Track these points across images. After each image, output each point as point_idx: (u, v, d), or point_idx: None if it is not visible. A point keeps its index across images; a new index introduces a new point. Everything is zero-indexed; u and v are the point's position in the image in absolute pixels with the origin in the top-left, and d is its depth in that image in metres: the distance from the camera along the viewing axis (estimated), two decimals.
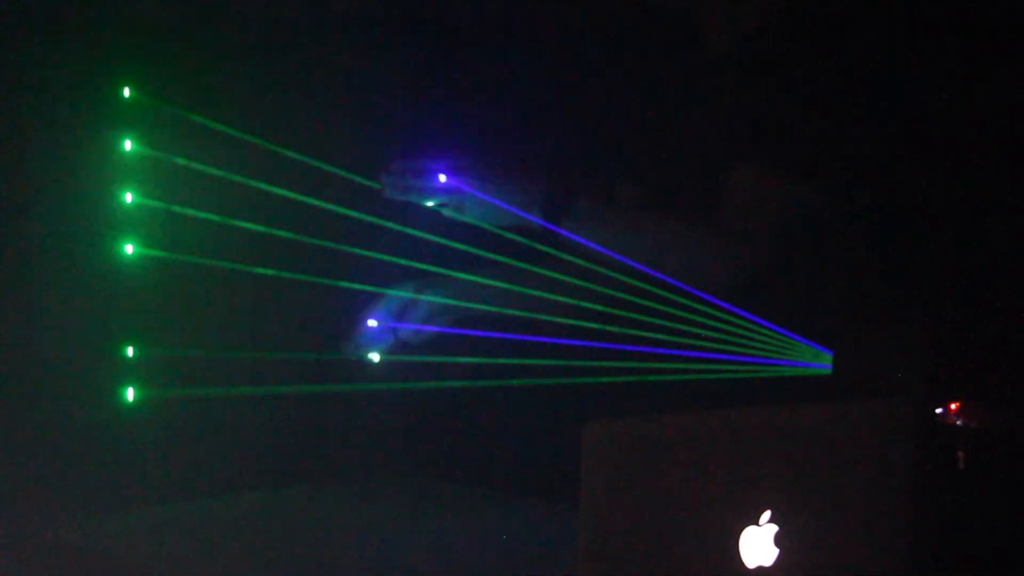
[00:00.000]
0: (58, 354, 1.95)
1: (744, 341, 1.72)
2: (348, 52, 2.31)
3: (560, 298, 1.85)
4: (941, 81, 1.73)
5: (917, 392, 1.70)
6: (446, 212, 1.85)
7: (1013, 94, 1.69)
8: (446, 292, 1.89)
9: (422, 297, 1.88)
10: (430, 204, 1.86)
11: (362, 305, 1.95)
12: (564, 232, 1.80)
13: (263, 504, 2.04)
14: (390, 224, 1.97)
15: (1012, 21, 1.69)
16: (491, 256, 1.88)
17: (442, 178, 1.80)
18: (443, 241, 1.90)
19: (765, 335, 1.71)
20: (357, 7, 2.35)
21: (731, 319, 1.72)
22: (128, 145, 1.96)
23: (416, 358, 1.93)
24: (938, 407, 1.65)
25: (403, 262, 2.03)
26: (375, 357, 1.91)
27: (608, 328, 1.78)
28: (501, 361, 1.83)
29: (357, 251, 1.98)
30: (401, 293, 1.89)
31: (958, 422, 1.63)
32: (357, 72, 2.32)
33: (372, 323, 1.90)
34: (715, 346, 1.73)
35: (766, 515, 1.22)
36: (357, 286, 1.97)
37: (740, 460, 1.21)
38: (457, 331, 1.89)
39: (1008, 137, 1.70)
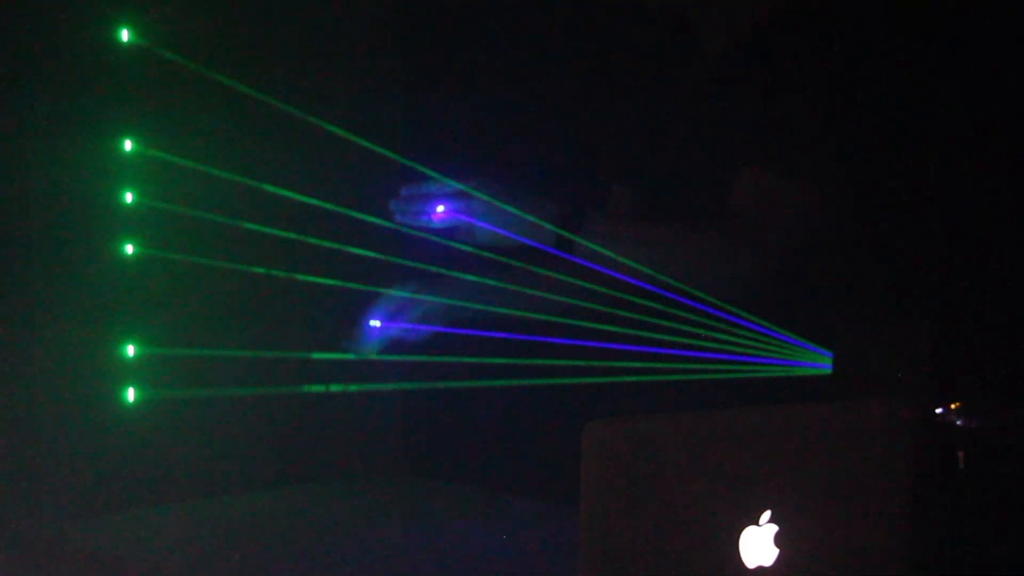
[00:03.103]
0: (58, 354, 1.95)
1: (744, 341, 1.72)
2: (354, 60, 2.31)
3: (560, 298, 1.85)
4: (941, 80, 1.73)
5: (917, 392, 1.70)
6: (457, 238, 1.85)
7: (1013, 94, 1.69)
8: (444, 292, 1.89)
9: (419, 297, 1.88)
10: (440, 228, 1.86)
11: (362, 305, 1.95)
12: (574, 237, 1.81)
13: (263, 504, 2.05)
14: (389, 224, 1.97)
15: (1012, 21, 1.69)
16: (490, 256, 1.88)
17: (440, 209, 1.81)
18: (443, 241, 1.90)
19: (765, 335, 1.71)
20: (365, 17, 2.35)
21: (731, 319, 1.72)
22: (128, 145, 1.96)
23: (416, 358, 1.93)
24: (938, 407, 1.64)
25: (403, 262, 2.04)
26: (375, 355, 1.91)
27: (608, 328, 1.78)
28: (502, 361, 1.83)
29: (356, 251, 1.98)
30: (399, 293, 1.89)
31: (958, 422, 1.63)
32: (363, 79, 2.32)
33: (374, 323, 1.90)
34: (715, 346, 1.73)
35: (766, 515, 1.22)
36: (356, 286, 1.97)
37: (740, 460, 1.21)
38: (456, 331, 1.89)
39: (1008, 137, 1.70)
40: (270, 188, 2.01)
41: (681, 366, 1.73)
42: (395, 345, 1.90)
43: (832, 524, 1.30)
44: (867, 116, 1.77)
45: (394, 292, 1.89)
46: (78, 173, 1.95)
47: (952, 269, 1.74)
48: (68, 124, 1.95)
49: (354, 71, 2.31)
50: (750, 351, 1.71)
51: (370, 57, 2.35)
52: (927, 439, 1.51)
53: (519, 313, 1.87)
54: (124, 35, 1.96)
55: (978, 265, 1.73)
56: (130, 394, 1.94)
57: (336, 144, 2.05)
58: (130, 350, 1.95)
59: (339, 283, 1.99)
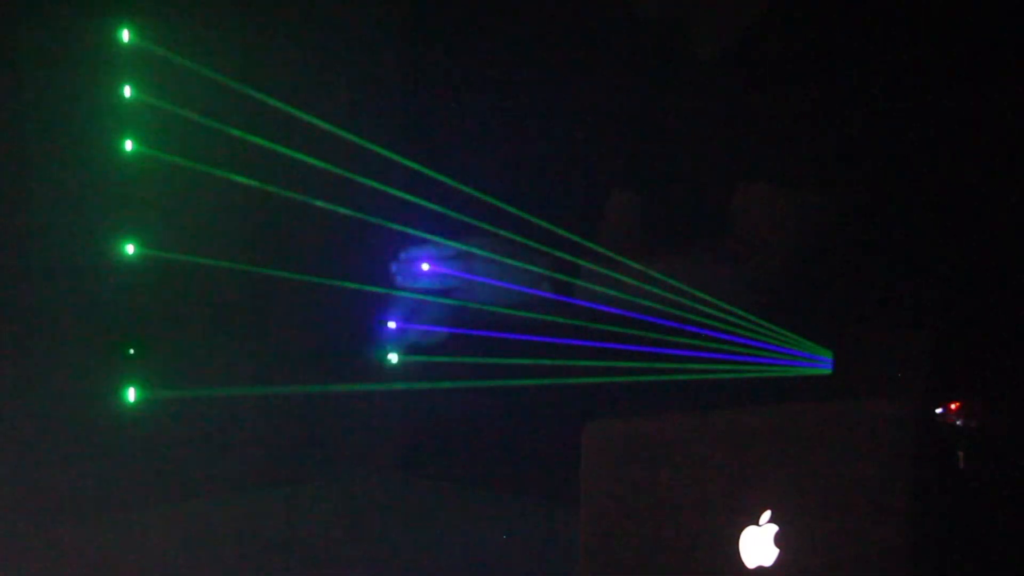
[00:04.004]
0: (58, 354, 1.95)
1: (744, 341, 1.72)
2: (356, 58, 2.31)
3: (562, 299, 1.85)
4: (939, 80, 1.73)
5: (917, 392, 1.70)
6: (453, 298, 1.88)
7: (1012, 94, 1.69)
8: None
9: (432, 299, 1.88)
10: (437, 288, 1.89)
11: (377, 307, 1.95)
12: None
13: (263, 504, 2.04)
14: (394, 225, 1.97)
15: (1011, 21, 1.69)
16: (494, 257, 1.88)
17: (425, 267, 1.84)
18: (448, 243, 1.90)
19: (766, 335, 1.71)
20: (367, 16, 2.35)
21: (731, 319, 1.72)
22: (129, 145, 1.96)
23: (417, 358, 1.93)
24: (938, 407, 1.65)
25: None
26: (393, 358, 1.92)
27: (608, 328, 1.78)
28: (502, 361, 1.83)
29: (357, 250, 1.98)
30: (412, 295, 1.89)
31: (958, 422, 1.63)
32: (365, 78, 2.32)
33: (391, 324, 1.91)
34: (715, 346, 1.73)
35: (766, 515, 1.22)
36: (358, 286, 1.97)
37: (740, 460, 1.21)
38: (461, 331, 1.89)
39: (1007, 137, 1.70)
40: (271, 188, 2.01)
41: (681, 366, 1.73)
42: (410, 346, 1.91)
43: (832, 524, 1.30)
44: (865, 116, 1.77)
45: (407, 294, 1.90)
46: (78, 173, 1.95)
47: (952, 270, 1.74)
48: (68, 124, 1.95)
49: (356, 69, 2.31)
50: (750, 351, 1.72)
51: (372, 55, 2.35)
52: (927, 439, 1.51)
53: (520, 313, 1.87)
54: (124, 35, 1.96)
55: (978, 266, 1.73)
56: (130, 394, 1.94)
57: (337, 143, 2.05)
58: (130, 350, 1.95)
59: (340, 283, 1.99)
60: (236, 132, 2.00)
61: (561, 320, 1.83)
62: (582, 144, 2.09)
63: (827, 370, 1.70)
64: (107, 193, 1.96)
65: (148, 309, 2.01)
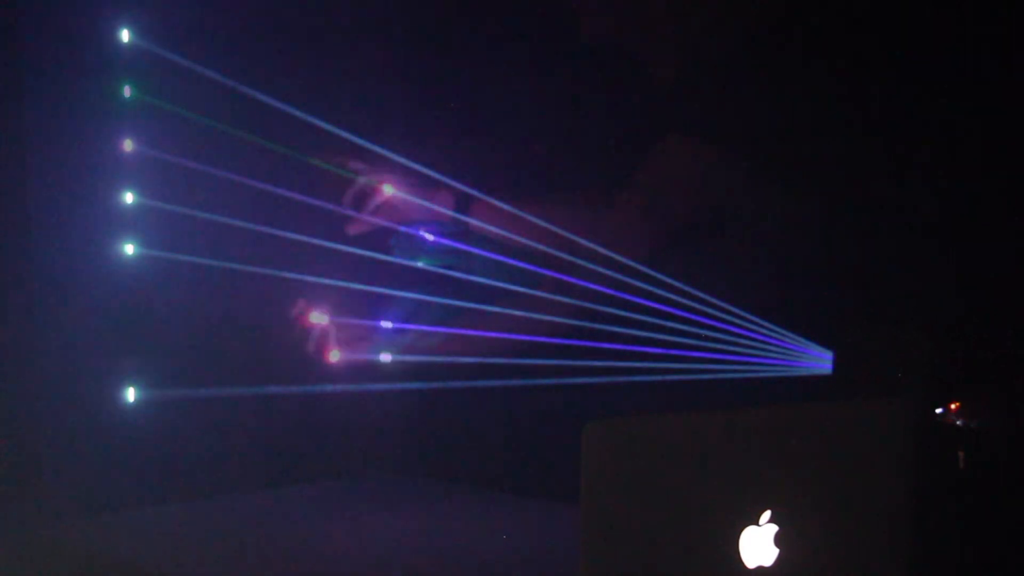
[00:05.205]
0: (58, 354, 1.95)
1: (745, 341, 1.72)
2: (356, 58, 2.31)
3: (562, 298, 1.85)
4: (937, 79, 1.73)
5: (917, 392, 1.70)
6: (455, 271, 1.89)
7: (1012, 93, 1.69)
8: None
9: (431, 299, 1.89)
10: (439, 263, 1.90)
11: (373, 307, 1.95)
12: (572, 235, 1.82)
13: (263, 504, 2.05)
14: (395, 227, 1.98)
15: (1009, 21, 1.69)
16: (493, 257, 1.88)
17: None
18: (448, 244, 1.90)
19: (766, 335, 1.71)
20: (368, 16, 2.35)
21: (732, 320, 1.72)
22: (128, 145, 1.96)
23: (416, 358, 1.93)
24: (938, 407, 1.65)
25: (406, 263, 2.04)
26: (387, 358, 1.93)
27: (608, 328, 1.78)
28: (501, 361, 1.84)
29: (359, 251, 1.98)
30: (410, 295, 1.90)
31: (958, 422, 1.63)
32: (366, 78, 2.33)
33: (387, 324, 1.91)
34: (715, 346, 1.73)
35: (766, 515, 1.22)
36: (358, 286, 1.97)
37: (740, 460, 1.21)
38: (459, 331, 1.89)
39: (1007, 137, 1.70)
40: (271, 188, 2.01)
41: (681, 366, 1.73)
42: (405, 346, 1.92)
43: (832, 524, 1.30)
44: (865, 117, 1.77)
45: (405, 294, 1.90)
46: (78, 173, 1.95)
47: (952, 269, 1.75)
48: (68, 124, 1.95)
49: (356, 69, 2.31)
50: (751, 351, 1.72)
51: (373, 53, 2.35)
52: (927, 439, 1.51)
53: (520, 313, 1.87)
54: (124, 35, 1.96)
55: (978, 265, 1.73)
56: (130, 394, 1.94)
57: (337, 143, 2.05)
58: (130, 350, 1.95)
59: (340, 283, 1.99)
60: (236, 132, 2.00)
61: (561, 320, 1.83)
62: (582, 143, 2.09)
63: (827, 370, 1.71)
64: (107, 193, 1.96)
65: (148, 309, 2.01)
